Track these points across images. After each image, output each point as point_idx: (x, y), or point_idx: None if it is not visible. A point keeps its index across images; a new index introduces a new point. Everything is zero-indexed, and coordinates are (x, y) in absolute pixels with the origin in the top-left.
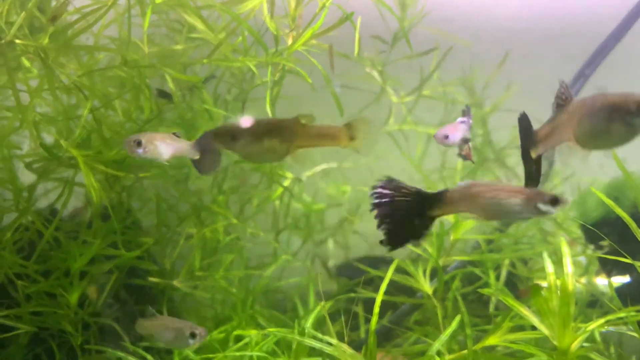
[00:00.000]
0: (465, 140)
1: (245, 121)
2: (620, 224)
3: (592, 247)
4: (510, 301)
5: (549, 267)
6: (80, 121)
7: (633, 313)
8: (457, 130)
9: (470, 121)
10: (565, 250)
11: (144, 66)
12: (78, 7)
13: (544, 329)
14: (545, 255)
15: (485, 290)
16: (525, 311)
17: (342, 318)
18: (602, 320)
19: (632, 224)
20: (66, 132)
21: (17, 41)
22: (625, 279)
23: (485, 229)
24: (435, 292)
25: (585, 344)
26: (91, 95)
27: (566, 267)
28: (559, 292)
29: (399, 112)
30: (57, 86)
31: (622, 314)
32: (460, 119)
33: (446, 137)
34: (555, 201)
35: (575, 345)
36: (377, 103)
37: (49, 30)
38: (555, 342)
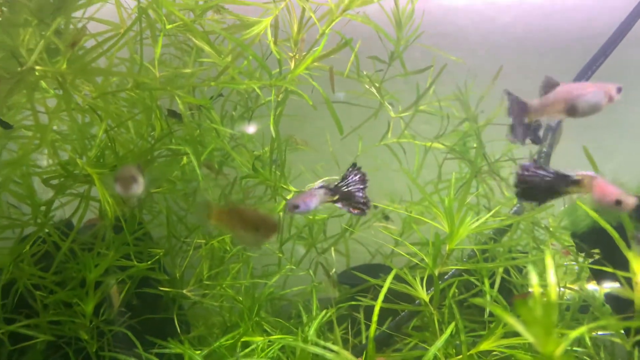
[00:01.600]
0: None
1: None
2: (608, 232)
3: (583, 255)
4: (498, 310)
5: (534, 278)
6: (95, 141)
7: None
8: (311, 198)
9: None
10: (549, 261)
11: (155, 88)
12: (93, 31)
13: (529, 337)
14: (530, 266)
15: (476, 300)
16: (511, 320)
17: (345, 324)
18: (583, 328)
19: (615, 235)
20: (81, 149)
21: (37, 67)
22: (615, 285)
23: (480, 239)
24: (431, 299)
25: (577, 349)
26: (105, 116)
27: (549, 277)
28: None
29: (397, 126)
30: (72, 107)
31: (603, 323)
32: (318, 184)
33: (296, 207)
34: None
35: (558, 352)
36: (375, 118)
37: (66, 56)
38: (539, 349)
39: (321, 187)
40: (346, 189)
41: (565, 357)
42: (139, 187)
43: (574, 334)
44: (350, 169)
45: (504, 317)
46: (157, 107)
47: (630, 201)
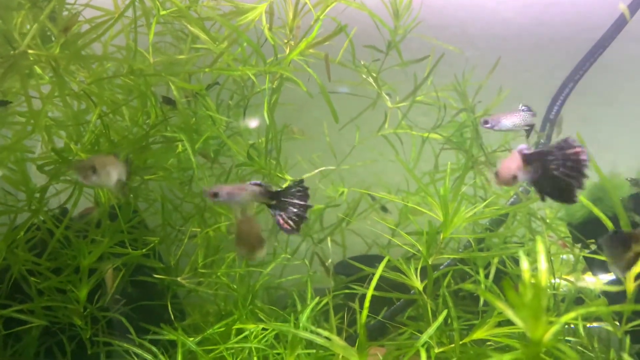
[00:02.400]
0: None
1: None
2: (604, 223)
3: (579, 246)
4: (489, 295)
5: (524, 264)
6: (89, 126)
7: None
8: (238, 191)
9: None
10: (540, 247)
11: (149, 74)
12: (88, 17)
13: (518, 322)
14: (521, 253)
15: (467, 286)
16: (501, 305)
17: (341, 313)
18: (573, 314)
19: (610, 225)
20: (76, 136)
21: (30, 51)
22: (611, 277)
23: (475, 229)
24: (425, 288)
25: (570, 339)
26: (99, 102)
27: (540, 263)
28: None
29: (395, 117)
30: (67, 93)
31: (593, 308)
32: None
33: (215, 195)
34: None
35: (547, 337)
36: (373, 108)
37: (60, 41)
38: (528, 334)
39: (259, 184)
40: (284, 199)
41: (553, 342)
42: (98, 179)
43: (564, 319)
44: (296, 183)
45: (494, 301)
46: (152, 93)
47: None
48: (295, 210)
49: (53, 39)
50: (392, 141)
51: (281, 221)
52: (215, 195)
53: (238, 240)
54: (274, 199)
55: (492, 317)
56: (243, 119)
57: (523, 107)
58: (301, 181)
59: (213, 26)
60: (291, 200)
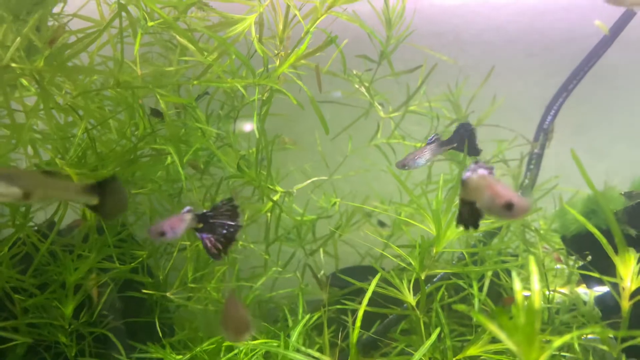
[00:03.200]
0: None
1: None
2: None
3: (573, 258)
4: (481, 318)
5: (517, 285)
6: (74, 140)
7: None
8: (179, 223)
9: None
10: (533, 267)
11: (136, 87)
12: (74, 29)
13: (511, 345)
14: (514, 274)
15: (459, 307)
16: (493, 327)
17: (334, 327)
18: (567, 337)
19: (602, 240)
20: (63, 149)
21: (13, 65)
22: (605, 289)
23: (469, 241)
24: (418, 303)
25: (565, 354)
26: (86, 115)
27: (533, 284)
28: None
29: (388, 127)
30: (52, 106)
31: (587, 330)
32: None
33: (162, 234)
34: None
35: None
36: (366, 118)
37: (44, 53)
38: (521, 358)
39: (188, 210)
40: (212, 220)
41: None
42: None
43: (557, 342)
44: (225, 201)
45: (486, 324)
46: (140, 106)
47: (522, 204)
48: (224, 231)
49: (38, 51)
50: (385, 151)
51: (209, 245)
52: (163, 234)
53: (224, 322)
54: (201, 221)
55: (486, 332)
56: (234, 128)
57: (431, 139)
58: (230, 199)
59: (203, 37)
60: (220, 221)
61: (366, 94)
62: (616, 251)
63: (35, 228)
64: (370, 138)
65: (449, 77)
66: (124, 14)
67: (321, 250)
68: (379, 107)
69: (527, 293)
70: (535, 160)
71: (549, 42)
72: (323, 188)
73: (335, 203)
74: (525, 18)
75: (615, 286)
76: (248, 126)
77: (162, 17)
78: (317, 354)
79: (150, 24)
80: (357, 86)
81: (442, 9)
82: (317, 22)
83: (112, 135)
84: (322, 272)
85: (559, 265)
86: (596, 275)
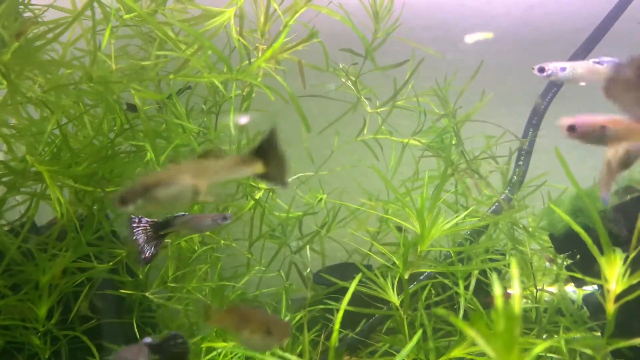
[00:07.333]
0: None
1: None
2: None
3: (561, 256)
4: (459, 322)
5: (497, 289)
6: (44, 136)
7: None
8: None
9: None
10: (515, 271)
11: (109, 82)
12: (46, 20)
13: (490, 352)
14: (494, 277)
15: (439, 311)
16: (471, 332)
17: (319, 324)
18: (547, 343)
19: (588, 240)
20: (35, 146)
21: None
22: (593, 287)
23: (457, 239)
24: (402, 303)
25: (552, 355)
26: (57, 110)
27: (514, 287)
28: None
29: (375, 122)
30: (22, 101)
31: (573, 334)
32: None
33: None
34: None
35: None
36: (353, 112)
37: (11, 46)
38: None
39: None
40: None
41: None
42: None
43: (537, 349)
44: (136, 218)
45: (465, 329)
46: (116, 101)
47: None
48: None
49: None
50: (373, 146)
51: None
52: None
53: (258, 329)
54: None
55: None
56: (215, 123)
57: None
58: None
59: (181, 30)
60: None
61: (353, 88)
62: (601, 251)
63: (7, 228)
64: (357, 133)
65: (438, 72)
66: (96, 6)
67: (307, 247)
68: (366, 102)
69: (511, 291)
70: (524, 157)
71: (539, 36)
72: (309, 184)
73: (321, 199)
74: (515, 11)
75: (602, 287)
76: (244, 119)
77: (136, 10)
78: (295, 358)
79: (125, 16)
80: (343, 80)
81: (430, 2)
82: (297, 14)
83: (87, 131)
84: (308, 269)
85: (548, 264)
86: (580, 276)
